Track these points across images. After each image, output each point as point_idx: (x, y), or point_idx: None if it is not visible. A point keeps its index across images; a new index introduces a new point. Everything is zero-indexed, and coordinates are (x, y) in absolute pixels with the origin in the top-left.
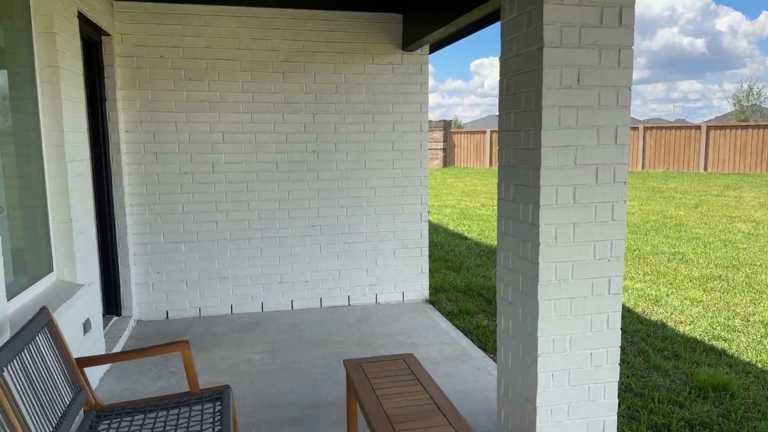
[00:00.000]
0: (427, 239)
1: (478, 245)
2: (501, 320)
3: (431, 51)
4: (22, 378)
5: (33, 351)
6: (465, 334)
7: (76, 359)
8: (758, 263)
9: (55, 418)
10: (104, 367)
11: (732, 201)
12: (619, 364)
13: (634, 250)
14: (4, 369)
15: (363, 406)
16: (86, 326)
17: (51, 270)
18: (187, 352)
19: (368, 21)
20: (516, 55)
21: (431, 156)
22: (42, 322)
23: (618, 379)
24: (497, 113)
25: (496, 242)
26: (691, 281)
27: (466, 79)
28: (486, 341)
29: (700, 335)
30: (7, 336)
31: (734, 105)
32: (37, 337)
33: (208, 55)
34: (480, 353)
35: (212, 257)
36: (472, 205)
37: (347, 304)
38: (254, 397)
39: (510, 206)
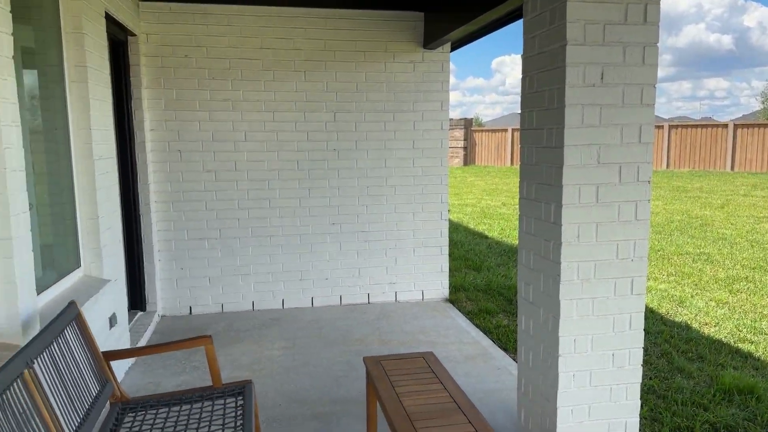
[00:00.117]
0: (447, 238)
1: (498, 244)
2: (522, 320)
3: (452, 49)
4: (52, 370)
5: (62, 344)
6: (485, 334)
7: (102, 353)
8: None
9: (83, 410)
10: (129, 361)
11: (760, 201)
12: (642, 366)
13: (658, 251)
14: (35, 361)
15: (383, 404)
16: (112, 321)
17: (78, 265)
18: (210, 346)
19: (389, 19)
20: (539, 52)
21: (451, 154)
22: (70, 316)
23: (640, 380)
24: (519, 111)
25: (517, 241)
26: (716, 282)
27: (487, 77)
28: (506, 341)
29: (725, 337)
30: (36, 329)
31: (762, 103)
32: (65, 331)
33: (231, 55)
34: (500, 353)
35: (234, 254)
36: (493, 204)
37: (367, 301)
38: (275, 392)
39: (532, 205)
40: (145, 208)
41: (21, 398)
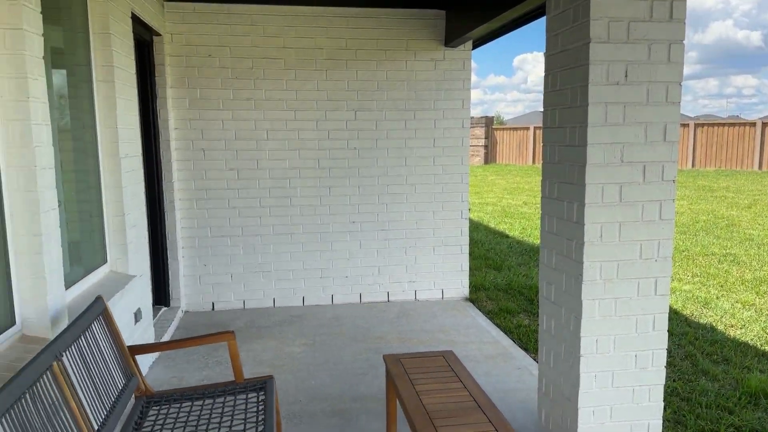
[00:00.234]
0: (468, 237)
1: (519, 244)
2: (543, 319)
3: (474, 47)
4: (80, 363)
5: (89, 338)
6: (506, 333)
7: (128, 347)
8: None
9: (109, 403)
10: (153, 355)
11: None
12: (665, 367)
13: (683, 251)
14: (64, 354)
15: (403, 402)
16: (137, 315)
17: (105, 261)
18: (233, 342)
19: (411, 17)
20: (562, 50)
21: (472, 153)
22: (97, 310)
23: (664, 382)
24: (541, 109)
25: (538, 241)
26: (743, 284)
27: (508, 75)
28: (527, 341)
29: (751, 340)
30: (65, 323)
31: None
32: (92, 325)
33: (253, 54)
34: (521, 353)
35: (256, 251)
36: (514, 203)
37: (386, 300)
38: (296, 388)
39: (554, 204)
40: (170, 205)
41: (50, 390)
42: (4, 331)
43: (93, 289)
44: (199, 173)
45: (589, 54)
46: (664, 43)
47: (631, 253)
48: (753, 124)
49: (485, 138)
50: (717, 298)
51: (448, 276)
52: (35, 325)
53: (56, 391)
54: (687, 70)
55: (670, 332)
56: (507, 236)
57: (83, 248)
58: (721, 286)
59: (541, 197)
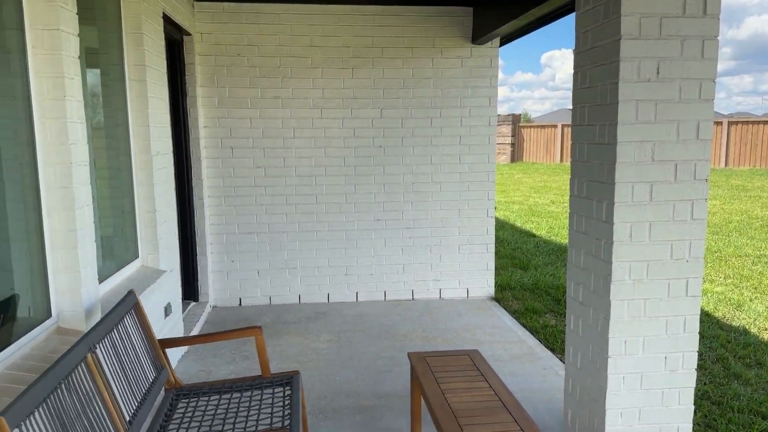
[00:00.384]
0: (494, 236)
1: (546, 243)
2: (571, 320)
3: (501, 44)
4: (112, 356)
5: (121, 331)
6: (532, 333)
7: (158, 340)
8: None
9: (140, 395)
10: (182, 349)
11: None
12: (696, 370)
13: (715, 252)
14: (97, 347)
15: (428, 400)
16: (167, 310)
17: (137, 256)
18: (260, 337)
19: (438, 15)
20: (592, 47)
21: (498, 151)
22: (129, 304)
23: (694, 385)
24: (569, 107)
25: (565, 240)
26: None
27: (536, 72)
28: (553, 341)
29: None
30: (98, 317)
31: None
32: (125, 318)
33: (281, 53)
34: (547, 353)
35: (282, 248)
36: (541, 202)
37: (411, 298)
38: (321, 384)
39: (583, 203)
40: (199, 202)
41: (85, 381)
42: (40, 323)
43: (125, 283)
44: (227, 171)
45: (619, 50)
46: (697, 38)
47: (661, 253)
48: None
49: (512, 136)
50: (750, 300)
51: (473, 275)
52: (70, 318)
53: (90, 382)
54: (721, 66)
55: (701, 335)
56: (534, 235)
57: (116, 244)
58: (755, 288)
59: (570, 196)
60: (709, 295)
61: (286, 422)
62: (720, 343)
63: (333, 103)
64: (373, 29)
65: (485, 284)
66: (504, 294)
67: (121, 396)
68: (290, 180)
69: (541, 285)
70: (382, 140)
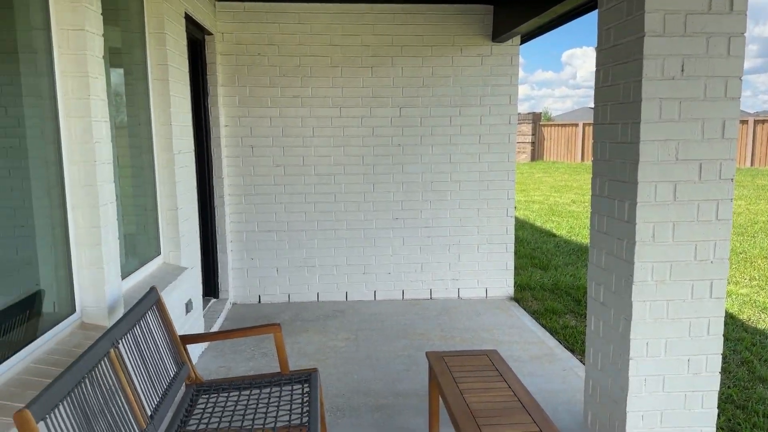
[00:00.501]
0: (513, 235)
1: (567, 243)
2: (591, 320)
3: (522, 42)
4: (135, 351)
5: (144, 327)
6: (551, 334)
7: (179, 336)
8: None
9: (161, 390)
10: (202, 345)
11: None
12: (720, 373)
13: (740, 253)
14: (120, 342)
15: (446, 399)
16: (188, 306)
17: (159, 253)
18: (279, 334)
19: (458, 13)
20: (614, 44)
21: (519, 150)
22: (151, 300)
23: (718, 388)
24: (590, 105)
25: (587, 240)
26: None
27: (557, 70)
28: (573, 342)
29: None
30: (121, 312)
31: None
32: (147, 314)
33: (301, 52)
34: (567, 354)
35: (301, 246)
36: (562, 201)
37: (429, 297)
38: (339, 381)
39: (604, 203)
40: (219, 200)
41: (107, 376)
42: (65, 318)
43: (147, 279)
44: (247, 169)
45: (643, 48)
46: (723, 36)
47: (685, 254)
48: None
49: (532, 134)
50: None
51: (492, 274)
52: (94, 314)
53: (113, 377)
54: (747, 64)
55: (726, 337)
56: (554, 235)
57: (138, 241)
58: None
59: (591, 195)
60: (734, 297)
61: (305, 419)
62: (745, 346)
63: (352, 101)
64: (393, 28)
65: (504, 284)
66: (523, 294)
67: (142, 390)
68: (309, 179)
69: (561, 285)
70: (401, 139)
